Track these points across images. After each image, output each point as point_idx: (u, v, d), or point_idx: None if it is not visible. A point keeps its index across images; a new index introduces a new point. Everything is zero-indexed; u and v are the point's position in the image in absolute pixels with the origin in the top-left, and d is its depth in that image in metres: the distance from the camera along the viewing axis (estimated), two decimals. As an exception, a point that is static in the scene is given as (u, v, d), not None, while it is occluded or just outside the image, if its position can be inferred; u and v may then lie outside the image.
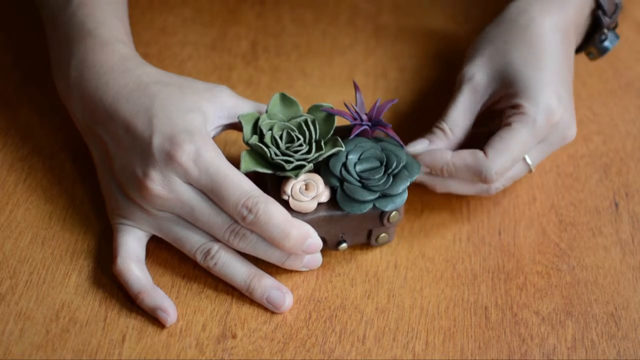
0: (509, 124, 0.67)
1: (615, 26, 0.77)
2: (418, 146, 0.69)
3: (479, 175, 0.67)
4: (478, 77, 0.70)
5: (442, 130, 0.70)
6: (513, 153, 0.67)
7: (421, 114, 0.79)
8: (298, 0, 0.88)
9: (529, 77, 0.68)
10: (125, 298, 0.65)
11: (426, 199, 0.72)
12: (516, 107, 0.68)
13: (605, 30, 0.75)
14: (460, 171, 0.67)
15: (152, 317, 0.64)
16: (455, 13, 0.88)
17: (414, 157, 0.68)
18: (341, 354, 0.63)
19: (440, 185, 0.69)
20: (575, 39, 0.73)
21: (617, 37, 0.77)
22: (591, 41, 0.76)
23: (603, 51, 0.77)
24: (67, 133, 0.75)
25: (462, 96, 0.70)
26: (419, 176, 0.68)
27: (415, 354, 0.63)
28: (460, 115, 0.70)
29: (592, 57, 0.78)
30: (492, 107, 0.70)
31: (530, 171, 0.70)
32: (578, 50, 0.77)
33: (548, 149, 0.69)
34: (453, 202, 0.72)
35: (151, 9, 0.86)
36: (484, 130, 0.71)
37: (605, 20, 0.74)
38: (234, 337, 0.63)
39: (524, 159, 0.69)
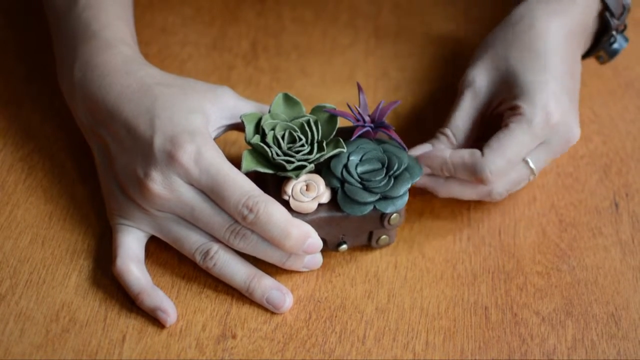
0: (506, 125, 0.67)
1: (624, 29, 0.76)
2: (420, 150, 0.69)
3: (475, 174, 0.66)
4: (479, 81, 0.70)
5: (445, 135, 0.69)
6: (509, 153, 0.66)
7: (421, 114, 0.79)
8: (298, -1, 0.88)
9: (527, 79, 0.68)
10: (125, 298, 0.65)
11: (426, 199, 0.72)
12: (514, 108, 0.67)
13: (614, 33, 0.75)
14: (458, 169, 0.67)
15: (152, 318, 0.64)
16: (455, 13, 0.88)
17: (415, 159, 0.68)
18: (341, 354, 0.63)
19: (442, 189, 0.69)
20: (582, 42, 0.73)
21: (627, 39, 0.76)
22: (600, 44, 0.75)
23: (612, 54, 0.76)
24: (67, 133, 0.75)
25: (464, 101, 0.70)
26: (420, 180, 0.68)
27: (415, 354, 0.63)
28: (463, 120, 0.70)
29: (601, 60, 0.77)
30: (495, 111, 0.70)
31: (534, 174, 0.68)
32: (587, 54, 0.76)
33: (551, 152, 0.68)
34: (453, 203, 0.72)
35: (151, 9, 0.86)
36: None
37: (614, 22, 0.73)
38: (234, 337, 0.63)
39: (527, 163, 0.67)
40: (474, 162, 0.66)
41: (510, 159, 0.66)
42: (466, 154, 0.67)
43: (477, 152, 0.67)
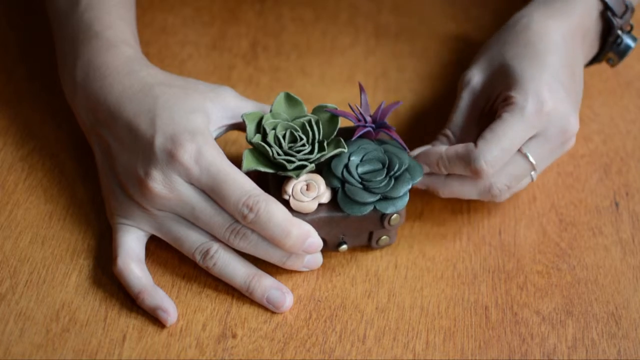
0: (499, 116, 0.67)
1: (631, 29, 0.76)
2: (419, 151, 0.69)
3: (469, 165, 0.66)
4: (476, 79, 0.70)
5: (445, 135, 0.70)
6: (503, 142, 0.65)
7: (421, 114, 0.79)
8: (298, -1, 0.88)
9: (521, 71, 0.68)
10: (126, 298, 0.65)
11: (427, 198, 0.72)
12: (507, 99, 0.67)
13: (619, 32, 0.74)
14: (453, 163, 0.67)
15: (153, 317, 0.64)
16: (455, 13, 0.88)
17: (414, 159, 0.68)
18: (341, 353, 0.63)
19: (443, 188, 0.69)
20: (584, 44, 0.72)
21: (635, 39, 0.75)
22: (606, 45, 0.75)
23: (621, 55, 0.75)
24: (67, 133, 0.75)
25: (462, 101, 0.70)
26: (421, 180, 0.68)
27: (415, 354, 0.63)
28: (462, 119, 0.70)
29: (612, 63, 0.76)
30: (493, 107, 0.70)
31: (535, 170, 0.68)
32: (597, 57, 0.76)
33: (548, 144, 0.68)
34: (453, 202, 0.72)
35: (151, 9, 0.86)
36: None
37: (617, 21, 0.73)
38: (234, 336, 0.63)
39: (526, 156, 0.67)
40: (467, 153, 0.66)
41: (505, 148, 0.65)
42: (460, 147, 0.67)
43: (471, 144, 0.66)
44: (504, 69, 0.69)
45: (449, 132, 0.70)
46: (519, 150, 0.67)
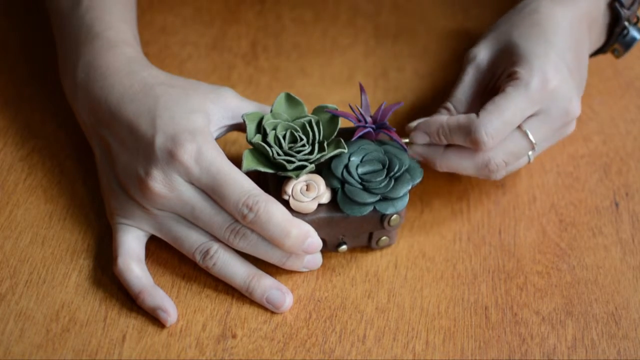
0: (503, 90, 0.67)
1: (638, 21, 0.76)
2: (419, 121, 0.69)
3: (470, 135, 0.65)
4: (481, 55, 0.70)
5: (446, 108, 0.70)
6: (505, 114, 0.65)
7: (421, 114, 0.79)
8: (298, -1, 0.88)
9: (527, 48, 0.68)
10: (126, 298, 0.65)
11: (426, 198, 0.72)
12: (511, 74, 0.67)
13: (626, 24, 0.74)
14: (454, 132, 0.66)
15: (153, 317, 0.64)
16: (455, 13, 0.88)
17: (414, 129, 0.68)
18: (341, 353, 0.63)
19: (440, 159, 0.68)
20: (591, 33, 0.73)
21: None
22: (613, 36, 0.75)
23: (627, 46, 0.76)
24: (67, 133, 0.75)
25: (466, 75, 0.70)
26: (418, 149, 0.68)
27: (415, 354, 0.63)
28: (465, 93, 0.70)
29: (617, 54, 0.77)
30: (497, 84, 0.70)
31: (533, 148, 0.68)
32: (603, 48, 0.76)
33: (549, 123, 0.67)
34: (453, 202, 0.72)
35: (151, 9, 0.86)
36: None
37: (624, 12, 0.73)
38: (234, 336, 0.63)
39: (526, 134, 0.67)
40: (469, 123, 0.66)
41: (506, 121, 0.65)
42: (462, 117, 0.66)
43: (473, 115, 0.66)
44: (510, 47, 0.69)
45: (450, 106, 0.70)
46: (520, 128, 0.67)
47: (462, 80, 0.70)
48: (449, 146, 0.68)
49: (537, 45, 0.68)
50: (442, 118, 0.67)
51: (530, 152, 0.68)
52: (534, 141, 0.67)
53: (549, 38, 0.68)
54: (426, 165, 0.69)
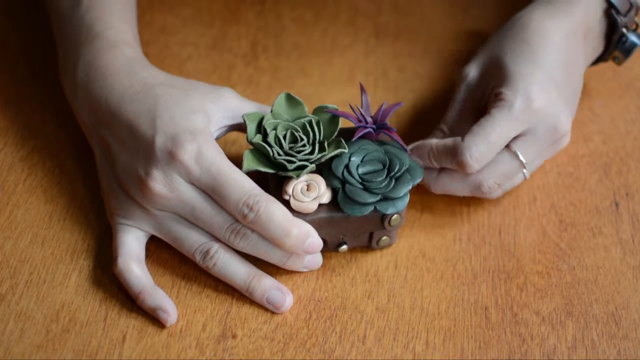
0: (488, 112, 0.67)
1: (637, 27, 0.76)
2: (414, 145, 0.69)
3: (455, 157, 0.66)
4: (472, 75, 0.71)
5: (441, 131, 0.70)
6: (489, 137, 0.65)
7: (421, 114, 0.79)
8: (298, -1, 0.88)
9: (513, 69, 0.68)
10: (126, 298, 0.65)
11: (426, 199, 0.72)
12: (497, 94, 0.68)
13: (624, 31, 0.74)
14: (441, 155, 0.67)
15: (153, 317, 0.64)
16: (455, 13, 0.88)
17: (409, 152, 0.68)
18: (341, 353, 0.63)
19: (434, 182, 0.69)
20: (586, 43, 0.73)
21: None
22: (612, 44, 0.75)
23: (627, 53, 0.76)
24: (67, 133, 0.75)
25: (459, 95, 0.71)
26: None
27: (415, 354, 0.63)
28: (457, 113, 0.70)
29: (617, 61, 0.77)
30: (487, 104, 0.70)
31: (525, 168, 0.68)
32: (602, 56, 0.76)
33: (538, 142, 0.68)
34: (453, 202, 0.72)
35: (151, 9, 0.86)
36: None
37: (621, 19, 0.73)
38: (234, 337, 0.63)
39: (515, 155, 0.67)
40: (455, 146, 0.66)
41: (492, 142, 0.66)
42: (449, 140, 0.67)
43: (459, 138, 0.67)
44: (498, 64, 0.69)
45: (444, 127, 0.70)
46: (509, 149, 0.67)
47: (455, 99, 0.71)
48: (442, 170, 0.68)
49: (524, 64, 0.68)
50: (432, 142, 0.68)
51: (524, 170, 0.68)
52: (524, 161, 0.68)
53: (536, 56, 0.68)
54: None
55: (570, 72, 0.70)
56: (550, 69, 0.68)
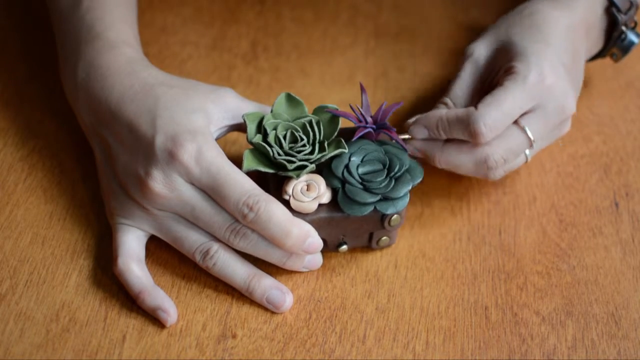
0: (501, 84, 0.67)
1: (635, 25, 0.76)
2: (417, 117, 0.69)
3: (469, 127, 0.66)
4: (478, 51, 0.71)
5: (445, 103, 0.70)
6: (503, 107, 0.65)
7: (421, 114, 0.79)
8: (298, -1, 0.88)
9: (525, 47, 0.68)
10: (126, 298, 0.65)
11: (426, 198, 0.72)
12: (509, 69, 0.68)
13: (623, 28, 0.75)
14: (453, 125, 0.67)
15: (153, 317, 0.64)
16: (455, 13, 0.88)
17: (413, 123, 0.68)
18: (341, 354, 0.63)
19: (439, 154, 0.68)
20: (587, 39, 0.73)
21: (639, 35, 0.76)
22: (611, 40, 0.76)
23: (625, 51, 0.76)
24: (67, 133, 0.75)
25: (464, 71, 0.71)
26: (417, 144, 0.68)
27: (415, 354, 0.63)
28: (462, 89, 0.70)
29: (615, 58, 0.77)
30: (494, 80, 0.70)
31: (531, 145, 0.68)
32: (601, 53, 0.77)
33: (546, 120, 0.68)
34: (453, 202, 0.72)
35: (151, 9, 0.86)
36: None
37: (621, 17, 0.74)
38: (234, 337, 0.63)
39: (524, 130, 0.67)
40: (468, 115, 0.66)
41: (505, 113, 0.66)
42: (461, 110, 0.67)
43: (472, 107, 0.66)
44: (508, 45, 0.70)
45: (448, 101, 0.70)
46: (518, 124, 0.67)
47: (460, 76, 0.71)
48: (448, 142, 0.68)
49: (535, 44, 0.69)
50: (441, 112, 0.68)
51: (527, 151, 0.68)
52: (532, 137, 0.67)
53: (546, 39, 0.69)
54: (426, 166, 0.69)
55: (575, 61, 0.71)
56: (559, 51, 0.69)
